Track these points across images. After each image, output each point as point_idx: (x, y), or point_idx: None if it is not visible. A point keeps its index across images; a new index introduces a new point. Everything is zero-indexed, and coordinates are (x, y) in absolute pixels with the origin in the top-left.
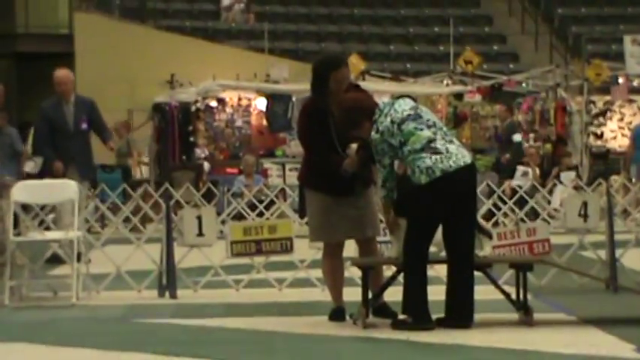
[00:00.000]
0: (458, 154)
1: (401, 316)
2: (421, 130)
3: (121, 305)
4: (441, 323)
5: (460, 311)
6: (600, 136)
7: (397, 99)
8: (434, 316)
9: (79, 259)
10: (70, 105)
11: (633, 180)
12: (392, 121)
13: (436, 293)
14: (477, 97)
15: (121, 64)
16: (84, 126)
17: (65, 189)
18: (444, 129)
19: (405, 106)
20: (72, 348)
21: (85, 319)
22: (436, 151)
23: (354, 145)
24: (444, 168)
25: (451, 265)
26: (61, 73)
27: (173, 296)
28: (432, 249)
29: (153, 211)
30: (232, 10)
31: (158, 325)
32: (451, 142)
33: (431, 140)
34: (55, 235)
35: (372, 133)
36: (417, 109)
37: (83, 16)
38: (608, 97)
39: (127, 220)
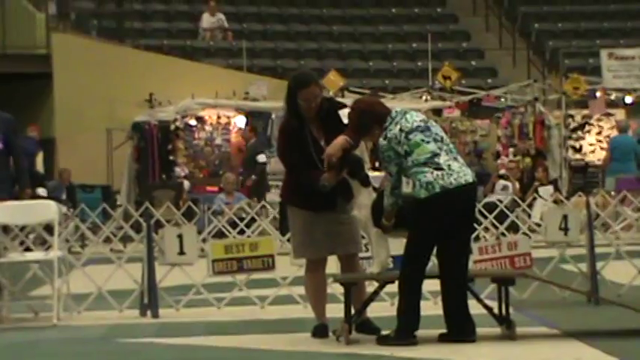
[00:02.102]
0: (460, 172)
1: (384, 332)
2: (427, 142)
3: (103, 325)
4: (444, 338)
5: (463, 326)
6: (579, 150)
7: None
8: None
9: None
10: None
11: (612, 193)
12: (400, 130)
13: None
14: (456, 113)
15: (99, 84)
16: None
17: (45, 210)
18: (451, 146)
19: (415, 117)
20: None
21: (67, 340)
22: (438, 167)
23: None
24: (444, 184)
25: (446, 281)
26: None
27: (155, 315)
28: None
29: (133, 231)
30: (212, 32)
31: (140, 344)
32: (455, 159)
33: (435, 154)
34: (35, 256)
35: (380, 139)
36: (426, 122)
37: (60, 37)
38: (586, 111)
39: (107, 239)
